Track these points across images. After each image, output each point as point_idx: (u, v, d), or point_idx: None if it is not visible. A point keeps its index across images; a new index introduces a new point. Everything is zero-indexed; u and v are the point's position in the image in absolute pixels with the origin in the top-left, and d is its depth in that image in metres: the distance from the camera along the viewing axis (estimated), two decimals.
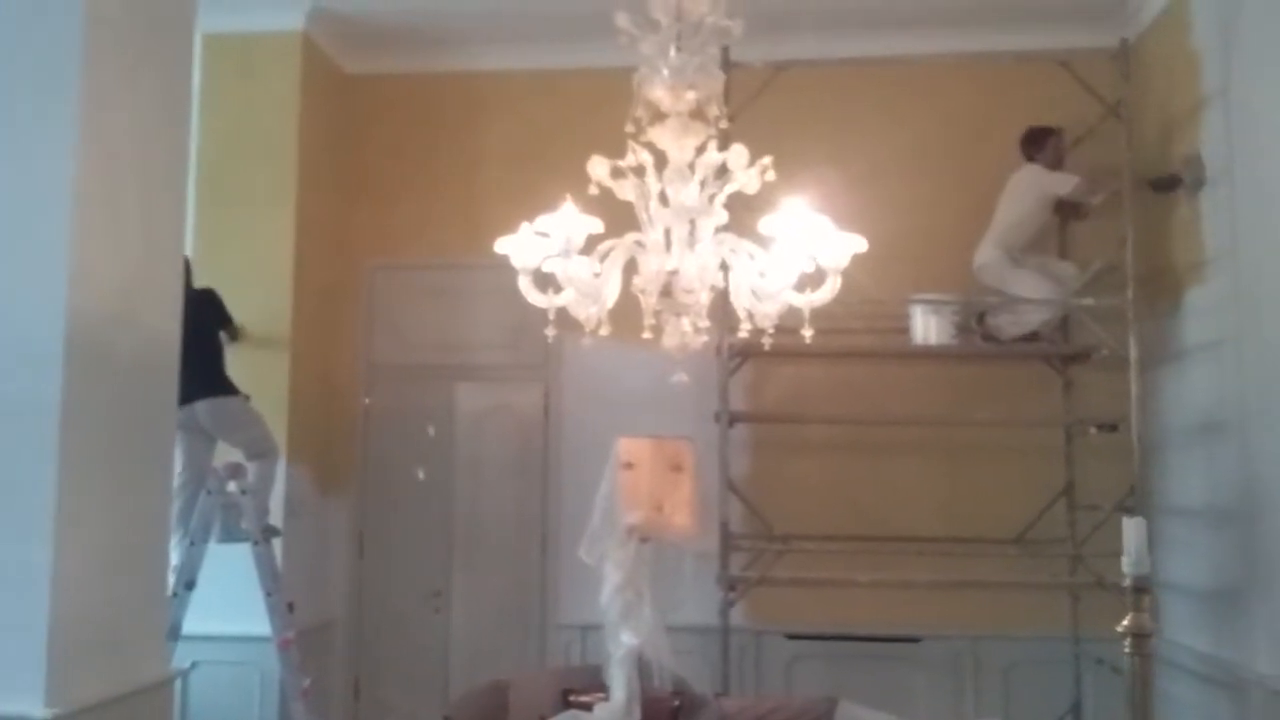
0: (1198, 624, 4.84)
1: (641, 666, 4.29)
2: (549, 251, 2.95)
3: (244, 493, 4.79)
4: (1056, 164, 5.34)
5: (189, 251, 5.05)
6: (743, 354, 5.24)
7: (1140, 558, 2.76)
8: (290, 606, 4.83)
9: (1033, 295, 5.26)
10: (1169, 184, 5.01)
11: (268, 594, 4.72)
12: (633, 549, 4.36)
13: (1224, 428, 4.55)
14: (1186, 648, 4.87)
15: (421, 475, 5.96)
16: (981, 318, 5.42)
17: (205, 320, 4.81)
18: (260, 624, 4.72)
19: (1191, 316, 4.92)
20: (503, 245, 2.99)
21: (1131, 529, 2.81)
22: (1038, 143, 5.35)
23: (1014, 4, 5.36)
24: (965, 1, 5.36)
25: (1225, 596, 4.54)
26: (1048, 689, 5.42)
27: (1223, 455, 4.57)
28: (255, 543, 4.72)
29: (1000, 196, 5.36)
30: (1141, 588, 2.78)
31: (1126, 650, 2.77)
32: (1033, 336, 5.34)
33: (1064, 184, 5.25)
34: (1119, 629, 2.81)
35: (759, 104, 5.07)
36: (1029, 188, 5.31)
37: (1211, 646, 4.66)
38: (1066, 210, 5.51)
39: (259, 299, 5.42)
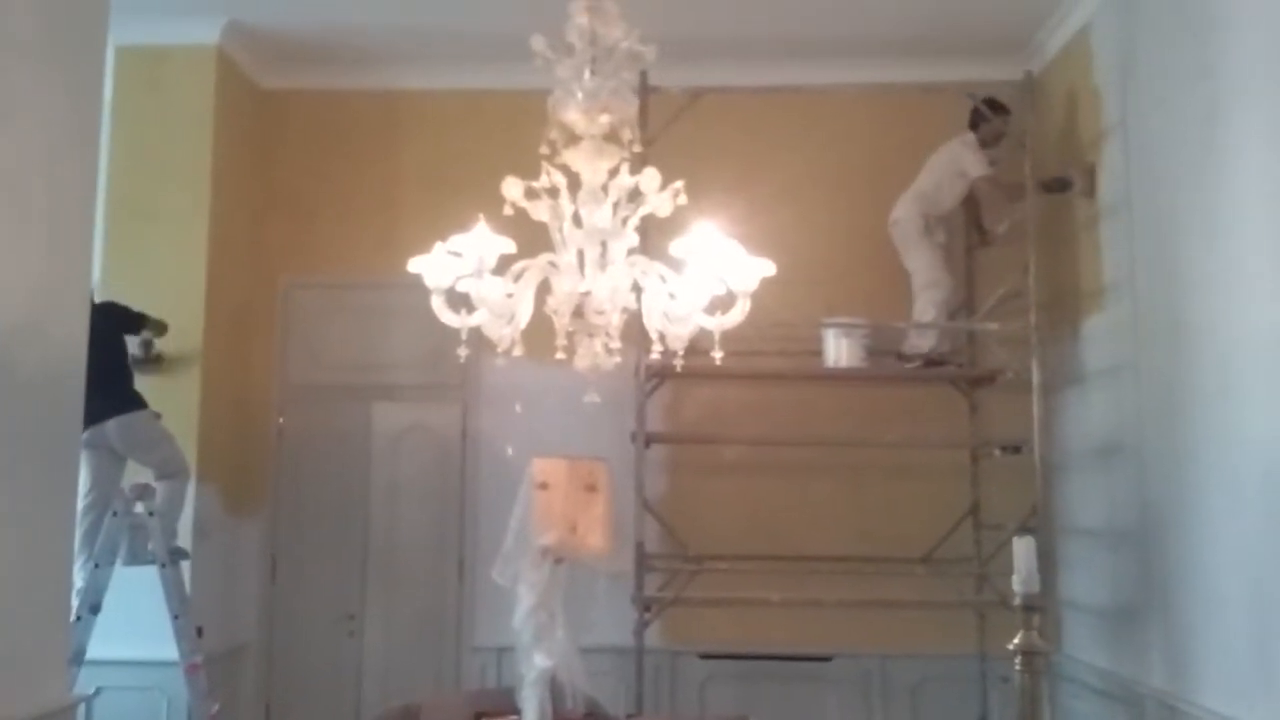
0: (1097, 641, 4.98)
1: (554, 688, 4.28)
2: (462, 271, 2.96)
3: (151, 514, 4.69)
4: (993, 140, 5.41)
5: (98, 267, 4.98)
6: (659, 375, 5.29)
7: (1030, 577, 2.84)
8: (199, 630, 4.73)
9: (923, 280, 5.36)
10: (1059, 186, 5.17)
11: (175, 617, 4.63)
12: (546, 570, 4.35)
13: (1122, 450, 4.71)
14: (1086, 664, 5.01)
15: (336, 496, 5.90)
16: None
17: (109, 335, 4.70)
18: (167, 648, 4.62)
19: (1092, 342, 5.09)
20: (415, 265, 2.99)
21: (1021, 549, 2.89)
22: (985, 116, 5.39)
23: (924, 36, 5.51)
24: (876, 33, 5.49)
25: (1123, 614, 4.68)
26: (955, 706, 5.52)
27: (1121, 477, 4.72)
28: (163, 565, 4.63)
29: (929, 155, 5.46)
30: (1031, 606, 2.85)
31: (1017, 668, 2.84)
32: (940, 360, 5.47)
33: (977, 165, 5.30)
34: (1010, 647, 2.88)
35: (677, 128, 5.14)
36: (951, 158, 5.39)
37: (1110, 662, 4.80)
38: (973, 236, 5.67)
39: (170, 316, 5.31)
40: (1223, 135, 3.81)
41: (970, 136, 5.39)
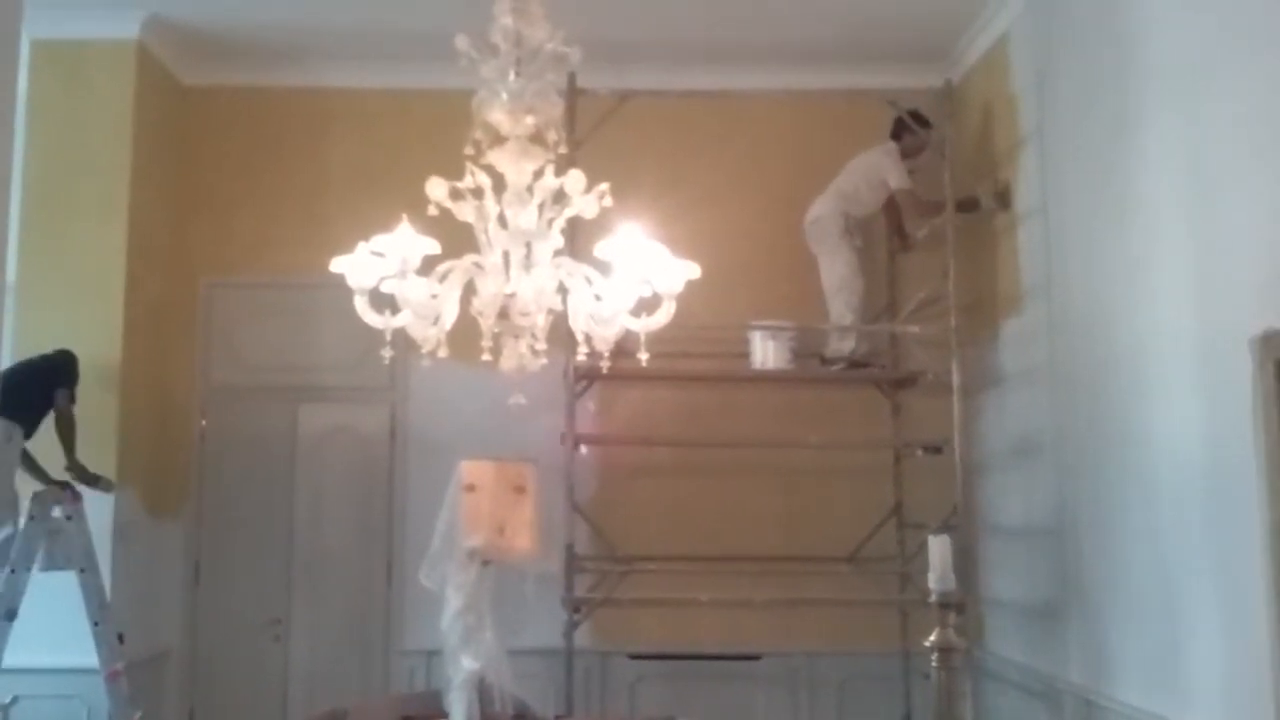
0: (1018, 637, 5.09)
1: (482, 691, 4.27)
2: (385, 272, 2.95)
3: (69, 518, 4.60)
4: (915, 152, 5.51)
5: (13, 266, 4.86)
6: (589, 377, 5.29)
7: (945, 575, 2.89)
8: (120, 637, 4.66)
9: (836, 282, 5.44)
10: (968, 205, 5.31)
11: (95, 624, 4.55)
12: (474, 572, 4.34)
13: (1040, 450, 4.82)
14: (1008, 660, 5.12)
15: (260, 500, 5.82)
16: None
17: (46, 374, 4.68)
18: (87, 655, 4.54)
19: (1010, 345, 5.20)
20: (338, 265, 2.98)
21: (936, 547, 2.94)
22: (909, 127, 5.47)
23: (847, 44, 5.59)
24: (801, 40, 5.57)
25: (1042, 611, 4.79)
26: (880, 703, 5.61)
27: (1039, 476, 4.83)
28: (82, 571, 4.54)
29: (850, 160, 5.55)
30: (947, 604, 2.90)
31: (934, 665, 2.89)
32: (864, 363, 5.55)
33: (897, 177, 5.40)
34: (926, 644, 2.93)
35: (604, 131, 5.16)
36: (870, 166, 5.48)
37: (1030, 659, 4.91)
38: (894, 241, 5.77)
39: (88, 316, 5.23)
40: (1136, 143, 3.92)
41: (892, 146, 5.49)
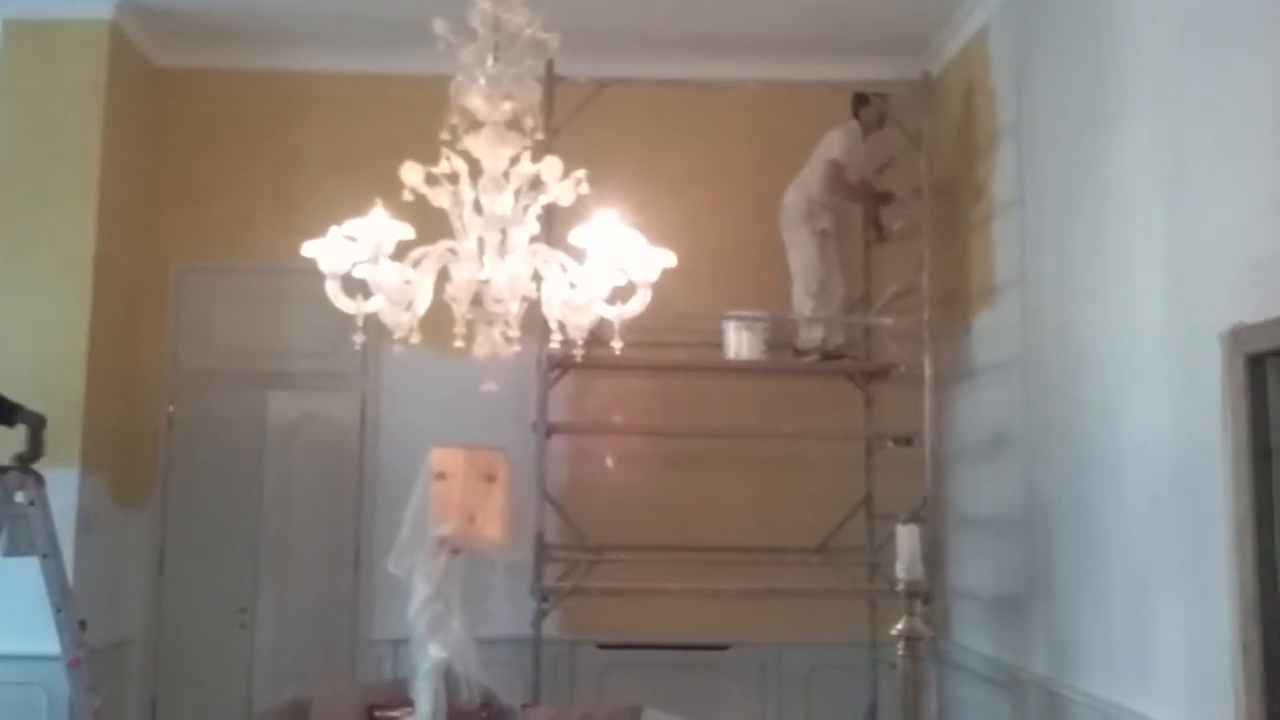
0: (984, 629, 5.12)
1: (449, 680, 4.25)
2: (358, 257, 2.93)
3: (32, 504, 4.53)
4: (877, 124, 5.52)
5: None
6: (562, 365, 5.28)
7: (913, 564, 2.91)
8: (82, 624, 4.58)
9: (795, 269, 5.50)
10: (884, 199, 5.55)
11: (57, 610, 4.47)
12: (443, 561, 4.33)
13: (1010, 443, 4.85)
14: (973, 651, 5.15)
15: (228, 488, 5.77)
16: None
17: None
18: (49, 642, 4.47)
19: (983, 338, 5.23)
20: (310, 249, 2.95)
21: (905, 537, 2.96)
22: (865, 99, 5.51)
23: (826, 35, 5.60)
24: (780, 30, 5.56)
25: (1009, 602, 4.82)
26: (847, 693, 5.64)
27: (1008, 469, 4.86)
28: (45, 556, 4.48)
29: None
30: (914, 593, 2.92)
31: (900, 653, 2.91)
32: (837, 354, 5.57)
33: (836, 148, 5.40)
34: (893, 632, 2.95)
35: (582, 118, 5.15)
36: (823, 144, 5.50)
37: (996, 650, 4.94)
38: (870, 233, 5.79)
39: (57, 299, 5.16)
40: (1112, 138, 3.94)
41: (854, 123, 5.50)
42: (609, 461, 5.74)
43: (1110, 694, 3.85)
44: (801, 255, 5.50)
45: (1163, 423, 3.54)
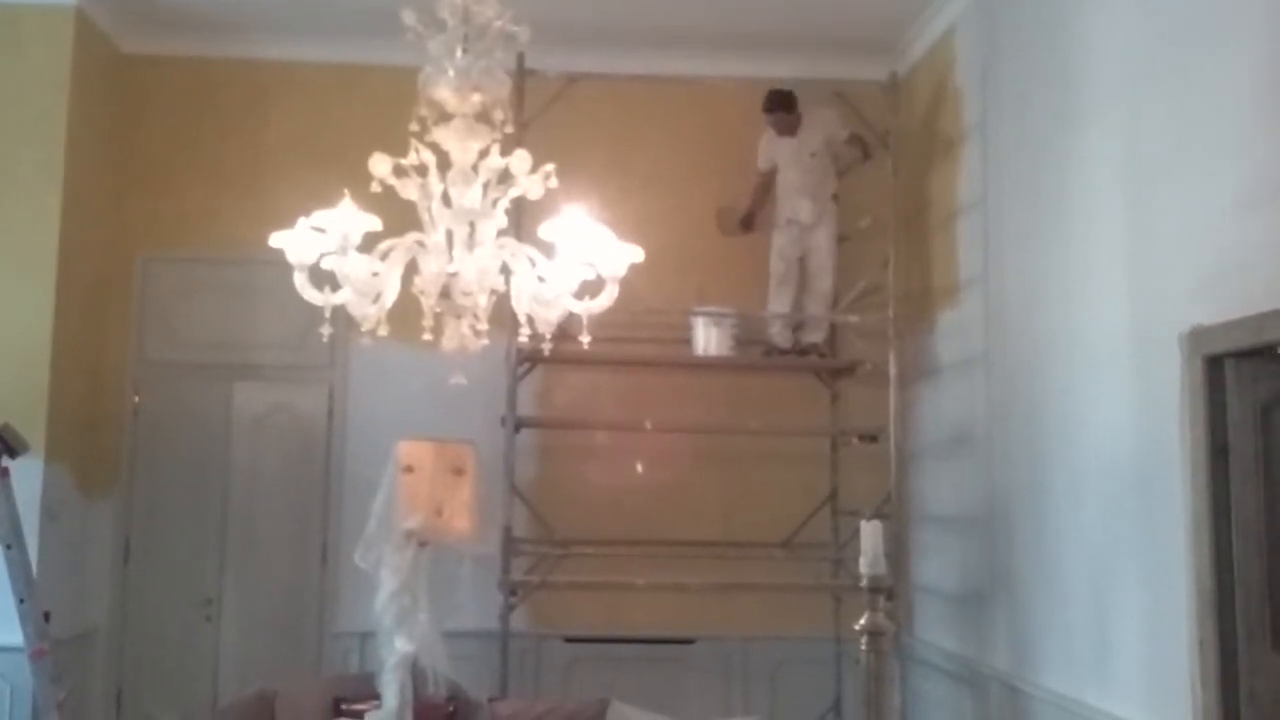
0: (947, 624, 5.17)
1: (416, 673, 4.26)
2: (326, 248, 2.92)
3: None
4: (789, 122, 5.57)
5: None
6: (531, 360, 5.28)
7: (876, 559, 2.94)
8: (46, 615, 4.55)
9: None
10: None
11: (20, 601, 4.44)
12: (410, 554, 4.33)
13: (972, 440, 4.90)
14: (936, 647, 5.21)
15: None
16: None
17: None
18: (12, 633, 4.44)
19: (947, 336, 5.28)
20: (277, 240, 2.94)
21: (869, 533, 2.98)
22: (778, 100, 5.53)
23: (794, 33, 5.62)
24: (749, 27, 5.58)
25: (971, 598, 4.88)
26: (812, 687, 5.68)
27: (971, 466, 4.92)
28: (8, 547, 4.44)
29: None
30: (878, 588, 2.94)
31: (863, 647, 2.93)
32: (805, 350, 5.61)
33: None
34: (856, 627, 2.97)
35: (552, 112, 5.15)
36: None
37: (958, 645, 4.99)
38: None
39: (19, 288, 5.11)
40: (1075, 139, 3.99)
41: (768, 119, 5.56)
42: (576, 456, 5.74)
43: (1070, 689, 3.91)
44: (773, 249, 5.56)
45: (1122, 422, 3.59)
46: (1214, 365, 3.10)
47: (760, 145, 5.59)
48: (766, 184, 5.64)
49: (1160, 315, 3.34)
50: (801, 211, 5.54)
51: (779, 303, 5.56)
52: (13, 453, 4.51)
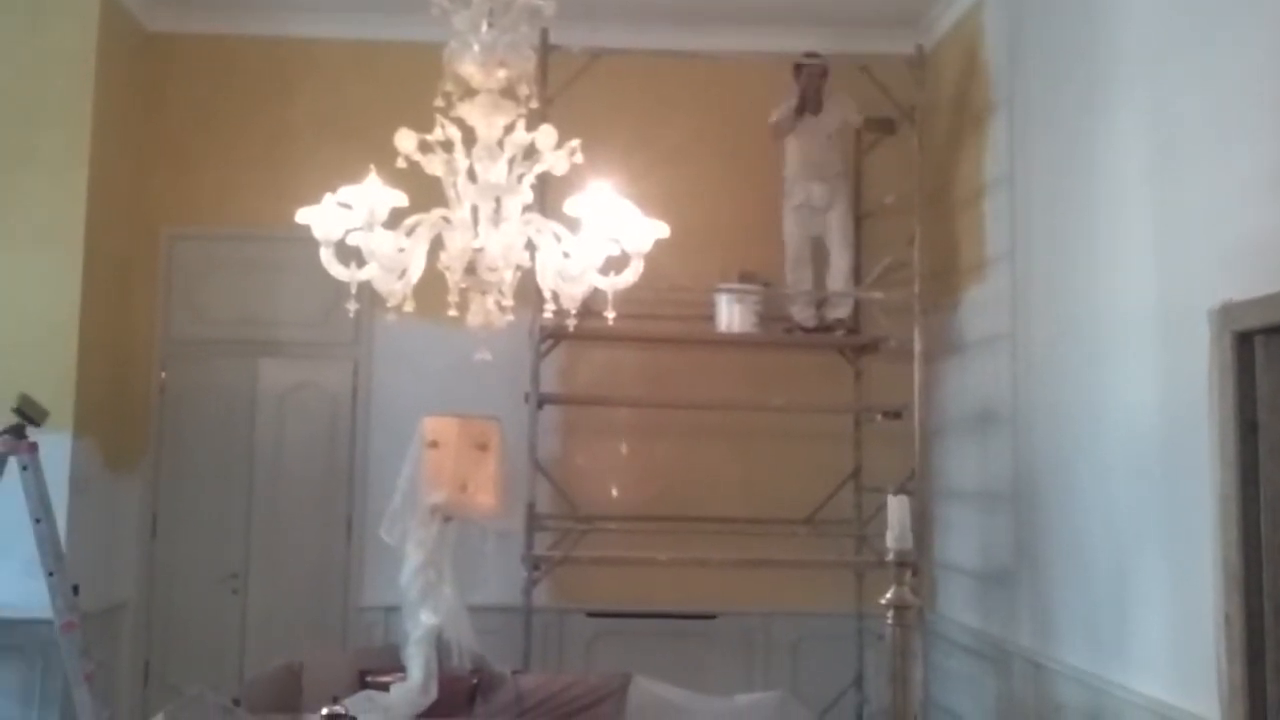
0: (970, 601, 5.17)
1: (441, 646, 4.30)
2: (352, 224, 2.93)
3: (25, 468, 4.54)
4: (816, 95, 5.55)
5: None
6: (554, 336, 5.29)
7: (903, 534, 2.93)
8: (75, 588, 4.60)
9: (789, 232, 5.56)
10: (884, 126, 5.56)
11: (50, 574, 4.49)
12: (435, 528, 4.37)
13: (998, 417, 4.88)
14: (959, 623, 5.21)
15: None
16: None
17: None
18: (42, 607, 4.49)
19: (972, 312, 5.25)
20: (304, 216, 2.95)
21: (895, 507, 2.98)
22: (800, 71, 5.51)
23: (819, 7, 5.60)
24: (773, 3, 5.56)
25: (995, 575, 4.87)
26: (833, 663, 5.69)
27: (996, 443, 4.90)
28: (38, 521, 4.49)
29: None
30: (904, 562, 2.94)
31: (889, 622, 2.93)
32: (829, 327, 5.59)
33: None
34: (882, 601, 2.97)
35: (576, 88, 5.14)
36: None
37: (981, 622, 4.99)
38: (860, 207, 5.79)
39: (47, 265, 5.14)
40: (1103, 115, 3.95)
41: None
42: (599, 432, 5.75)
43: (1094, 666, 3.90)
44: (786, 231, 5.54)
45: (1149, 398, 3.57)
46: (1243, 341, 3.07)
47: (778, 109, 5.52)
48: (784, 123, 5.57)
49: (1188, 292, 3.31)
50: (814, 195, 5.52)
51: (798, 282, 5.54)
52: (33, 421, 4.56)
